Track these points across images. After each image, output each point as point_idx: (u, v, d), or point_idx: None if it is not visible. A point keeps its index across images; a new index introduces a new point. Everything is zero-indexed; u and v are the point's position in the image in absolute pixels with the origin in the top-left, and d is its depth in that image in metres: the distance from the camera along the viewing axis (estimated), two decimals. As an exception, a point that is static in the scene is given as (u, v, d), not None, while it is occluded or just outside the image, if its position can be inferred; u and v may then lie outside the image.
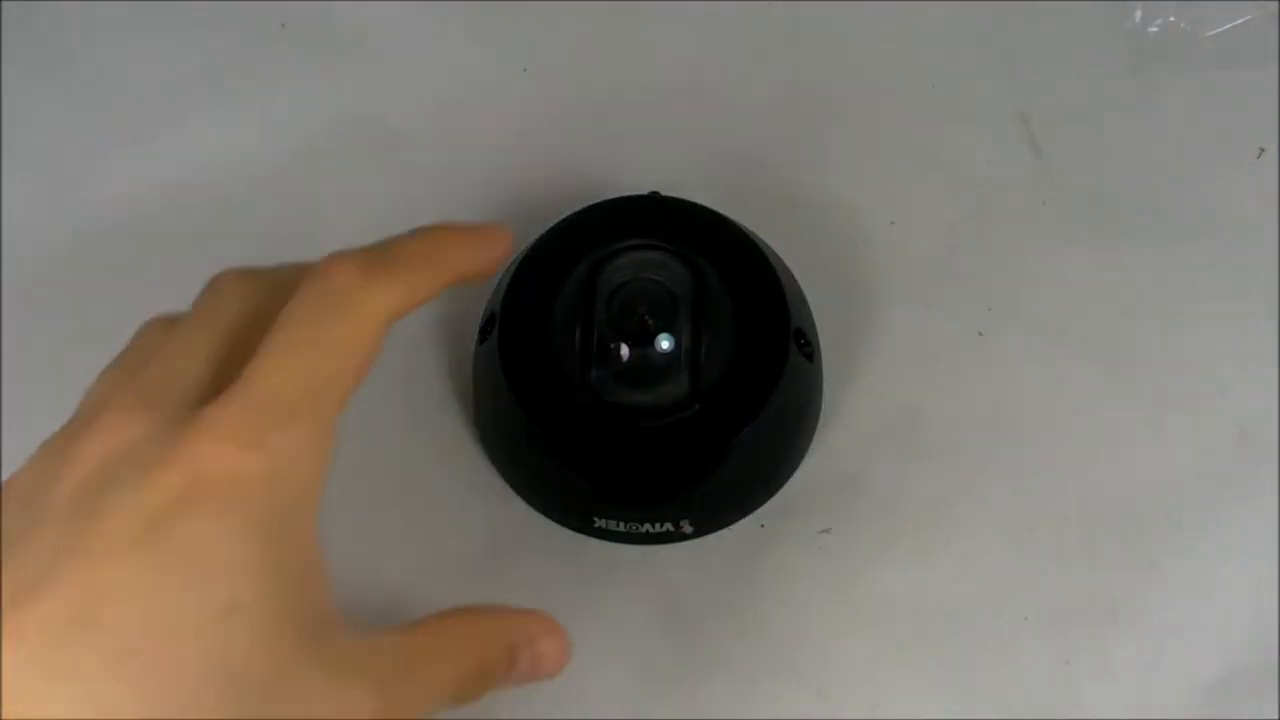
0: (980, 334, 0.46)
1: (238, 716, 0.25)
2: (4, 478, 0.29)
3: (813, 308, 0.45)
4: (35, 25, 0.51)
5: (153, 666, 0.24)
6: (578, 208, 0.47)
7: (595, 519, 0.41)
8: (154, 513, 0.25)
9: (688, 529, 0.41)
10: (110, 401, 0.28)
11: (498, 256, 0.32)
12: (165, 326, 0.31)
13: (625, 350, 0.39)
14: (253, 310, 0.30)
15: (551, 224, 0.43)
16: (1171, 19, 0.51)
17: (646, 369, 0.40)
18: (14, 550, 0.26)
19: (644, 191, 0.45)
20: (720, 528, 0.42)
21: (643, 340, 0.39)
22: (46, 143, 0.49)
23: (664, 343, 0.39)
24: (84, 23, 0.51)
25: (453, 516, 0.43)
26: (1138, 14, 0.51)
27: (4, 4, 0.52)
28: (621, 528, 0.41)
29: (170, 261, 0.47)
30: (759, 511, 0.43)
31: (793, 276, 0.43)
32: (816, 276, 0.46)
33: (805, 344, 0.42)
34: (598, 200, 0.45)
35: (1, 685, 0.24)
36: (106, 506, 0.26)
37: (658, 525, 0.41)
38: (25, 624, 0.24)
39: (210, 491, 0.26)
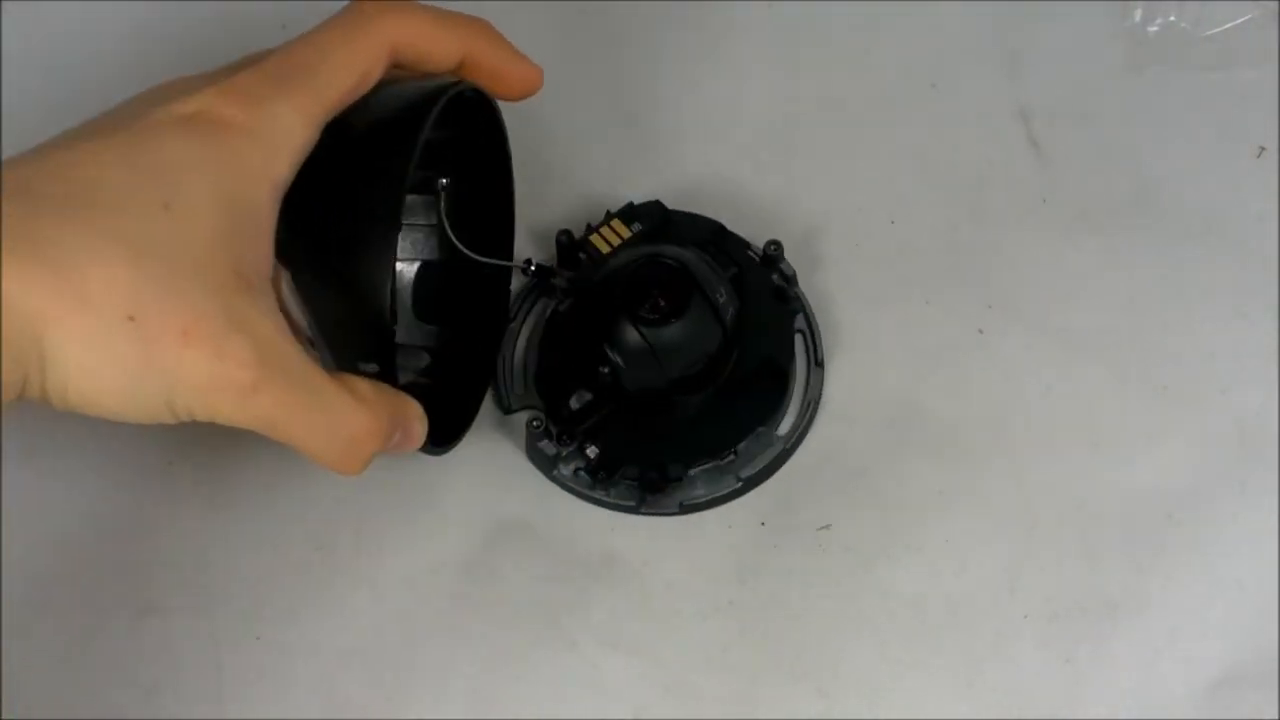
0: (980, 331, 0.46)
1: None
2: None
3: (814, 306, 0.46)
4: (35, 25, 0.52)
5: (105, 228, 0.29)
6: (579, 208, 0.47)
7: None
8: (159, 124, 0.31)
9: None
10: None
11: (510, 92, 0.39)
12: None
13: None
14: None
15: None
16: (1171, 19, 0.51)
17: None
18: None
19: (648, 198, 0.46)
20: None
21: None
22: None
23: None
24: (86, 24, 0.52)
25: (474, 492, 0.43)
26: (1138, 14, 0.51)
27: (4, 5, 0.52)
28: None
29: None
30: (759, 511, 0.43)
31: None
32: (819, 276, 0.47)
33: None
34: (600, 202, 0.46)
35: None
36: (138, 115, 0.32)
37: None
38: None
39: (201, 124, 0.31)
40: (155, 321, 0.29)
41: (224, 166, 0.31)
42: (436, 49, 0.36)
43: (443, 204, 0.43)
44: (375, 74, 0.35)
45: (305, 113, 0.33)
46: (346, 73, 0.34)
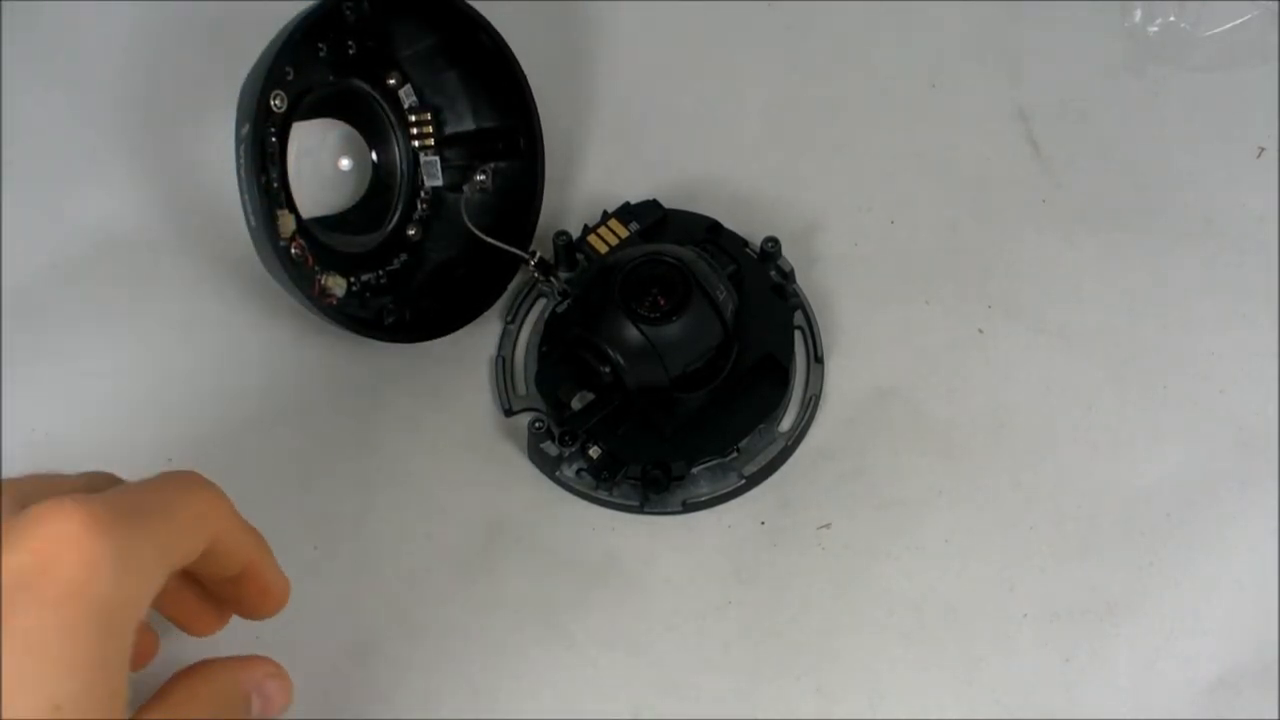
0: (980, 331, 0.46)
1: None
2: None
3: (814, 306, 0.46)
4: (38, 29, 0.52)
5: None
6: (576, 209, 0.47)
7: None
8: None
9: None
10: None
11: (270, 608, 0.35)
12: None
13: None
14: None
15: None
16: (1171, 19, 0.51)
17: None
18: None
19: (644, 198, 0.46)
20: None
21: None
22: (49, 146, 0.50)
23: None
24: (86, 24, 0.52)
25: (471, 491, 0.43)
26: (1138, 14, 0.51)
27: (3, 5, 0.52)
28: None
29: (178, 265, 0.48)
30: (759, 510, 0.43)
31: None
32: (817, 275, 0.47)
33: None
34: (596, 203, 0.46)
35: None
36: None
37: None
38: None
39: (51, 576, 0.25)
40: None
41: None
42: (239, 550, 0.33)
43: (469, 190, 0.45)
44: (198, 551, 0.30)
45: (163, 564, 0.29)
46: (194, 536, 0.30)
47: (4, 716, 0.24)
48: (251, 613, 0.35)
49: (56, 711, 0.25)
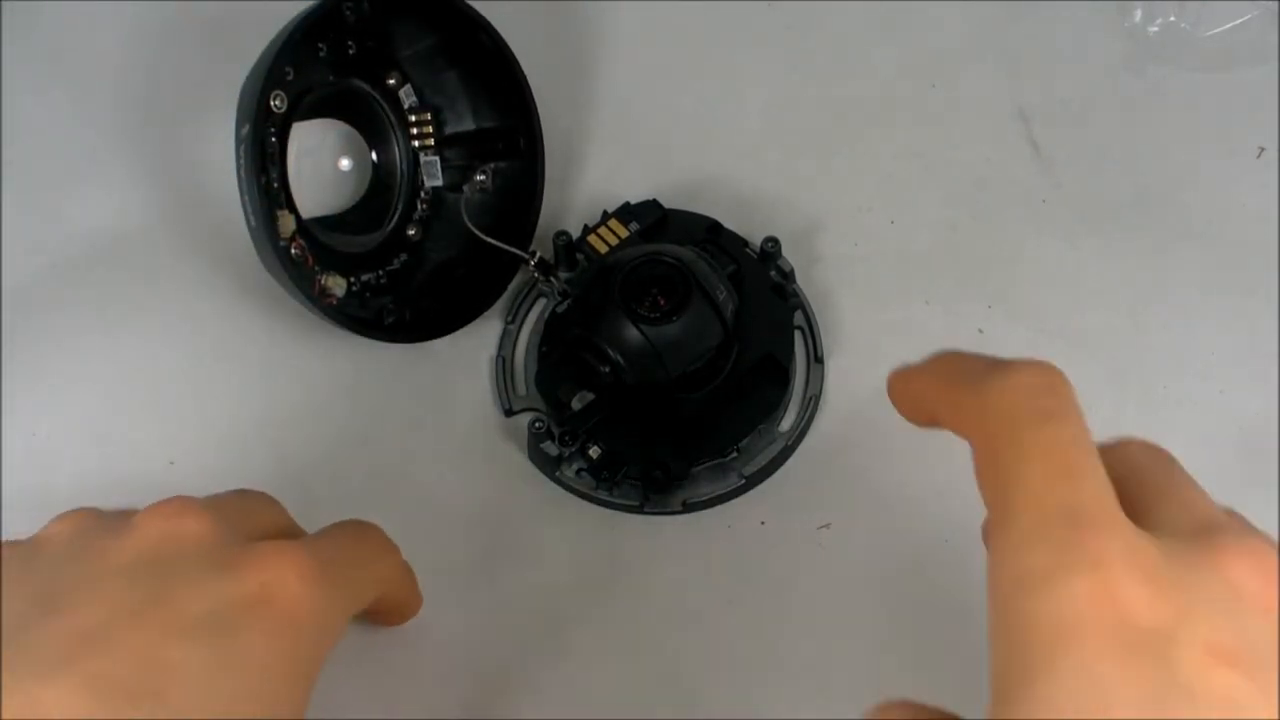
0: (980, 331, 0.46)
1: None
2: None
3: (814, 306, 0.46)
4: (38, 29, 0.52)
5: None
6: (576, 209, 0.47)
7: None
8: (220, 610, 0.28)
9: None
10: (172, 501, 0.30)
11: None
12: None
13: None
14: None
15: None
16: (1171, 19, 0.51)
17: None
18: (64, 595, 0.27)
19: (644, 198, 0.46)
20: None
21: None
22: (49, 146, 0.50)
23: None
24: (86, 24, 0.52)
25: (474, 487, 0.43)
26: (1138, 14, 0.51)
27: (3, 6, 0.52)
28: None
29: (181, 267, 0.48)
30: (759, 510, 0.43)
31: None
32: (817, 275, 0.47)
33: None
34: (596, 203, 0.46)
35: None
36: (172, 587, 0.28)
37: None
38: (78, 675, 0.25)
39: (274, 609, 0.28)
40: None
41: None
42: (402, 596, 0.38)
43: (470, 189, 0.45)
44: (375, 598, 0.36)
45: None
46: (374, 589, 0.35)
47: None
48: (382, 624, 0.39)
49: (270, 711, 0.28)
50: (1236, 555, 0.24)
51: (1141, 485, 0.25)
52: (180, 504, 0.30)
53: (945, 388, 0.27)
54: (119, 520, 0.30)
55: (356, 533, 0.35)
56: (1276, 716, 0.21)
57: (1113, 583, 0.22)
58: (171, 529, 0.29)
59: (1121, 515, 0.23)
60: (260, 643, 0.28)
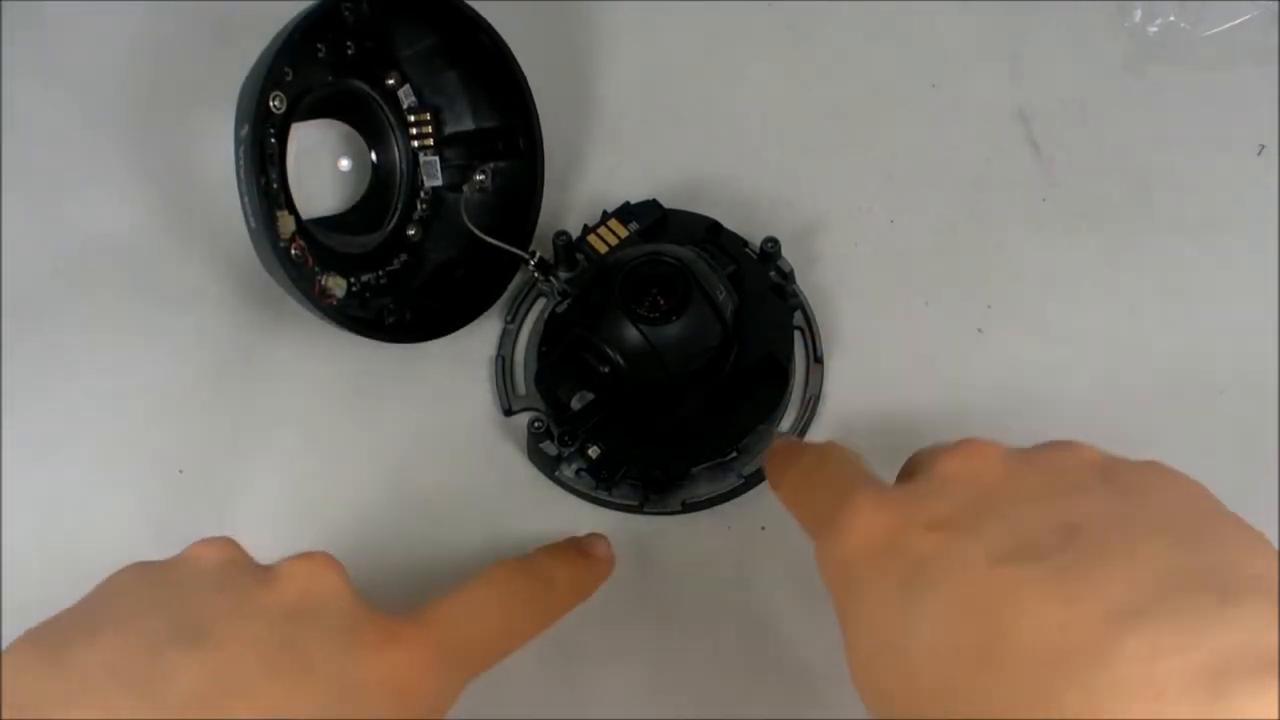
0: (980, 331, 0.46)
1: None
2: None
3: (814, 306, 0.46)
4: (39, 29, 0.52)
5: None
6: (576, 209, 0.47)
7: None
8: (346, 678, 0.29)
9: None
10: (315, 557, 0.32)
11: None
12: None
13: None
14: None
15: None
16: (1171, 19, 0.51)
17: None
18: (209, 626, 0.28)
19: (644, 198, 0.46)
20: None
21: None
22: (49, 146, 0.50)
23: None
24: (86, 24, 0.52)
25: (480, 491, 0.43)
26: (1138, 13, 0.51)
27: (3, 5, 0.52)
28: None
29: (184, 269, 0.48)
30: (758, 510, 0.43)
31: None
32: (817, 275, 0.47)
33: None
34: (596, 203, 0.46)
35: None
36: (308, 645, 0.29)
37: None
38: None
39: (389, 692, 0.30)
40: None
41: None
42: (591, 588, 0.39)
43: (470, 188, 0.45)
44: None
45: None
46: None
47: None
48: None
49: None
50: (945, 456, 0.30)
51: (917, 463, 0.32)
52: (324, 561, 0.31)
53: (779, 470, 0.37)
54: (260, 566, 0.32)
55: (487, 605, 0.35)
56: (993, 550, 0.26)
57: (862, 523, 0.29)
58: (311, 588, 0.31)
59: (866, 484, 0.31)
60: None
